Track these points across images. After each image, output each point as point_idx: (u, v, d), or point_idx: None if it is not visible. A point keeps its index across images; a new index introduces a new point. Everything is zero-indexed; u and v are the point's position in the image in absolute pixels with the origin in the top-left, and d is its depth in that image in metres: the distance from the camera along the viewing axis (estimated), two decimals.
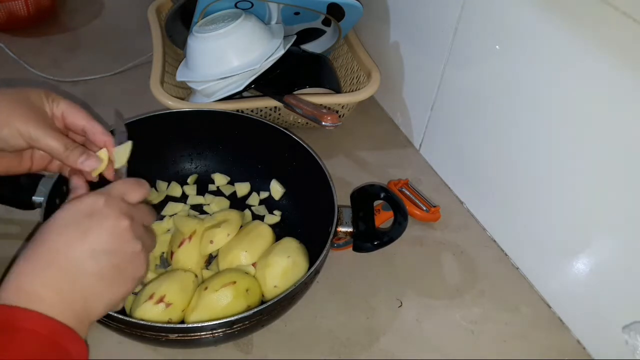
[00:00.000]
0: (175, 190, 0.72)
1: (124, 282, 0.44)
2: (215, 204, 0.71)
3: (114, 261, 0.43)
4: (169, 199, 0.72)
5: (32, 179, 0.60)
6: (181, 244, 0.61)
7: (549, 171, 0.60)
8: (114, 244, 0.43)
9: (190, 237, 0.61)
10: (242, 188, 0.73)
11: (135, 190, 0.47)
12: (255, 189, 0.73)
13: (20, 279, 0.41)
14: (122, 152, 0.53)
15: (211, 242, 0.61)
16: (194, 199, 0.72)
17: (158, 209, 0.70)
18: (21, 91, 0.50)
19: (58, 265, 0.41)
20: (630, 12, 0.47)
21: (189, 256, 0.61)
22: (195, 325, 0.50)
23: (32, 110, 0.49)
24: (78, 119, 0.52)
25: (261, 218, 0.70)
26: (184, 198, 0.72)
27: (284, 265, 0.59)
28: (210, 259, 0.65)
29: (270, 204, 0.72)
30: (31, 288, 0.40)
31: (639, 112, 0.49)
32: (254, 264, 0.61)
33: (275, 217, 0.71)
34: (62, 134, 0.51)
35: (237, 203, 0.72)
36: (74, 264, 0.42)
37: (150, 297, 0.55)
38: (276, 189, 0.72)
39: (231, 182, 0.74)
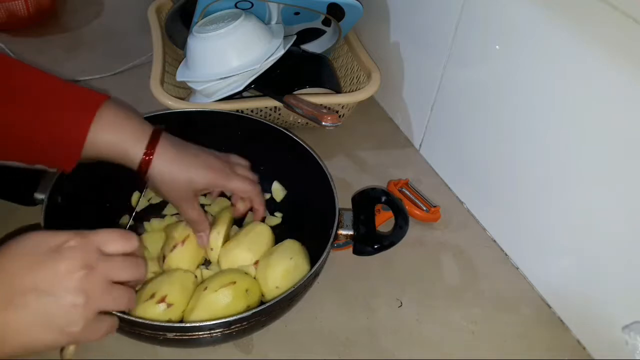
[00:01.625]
0: None
1: (50, 331, 0.41)
2: (215, 204, 0.71)
3: (48, 307, 0.40)
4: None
5: (34, 175, 0.61)
6: (174, 248, 0.60)
7: (549, 171, 0.60)
8: (56, 288, 0.40)
9: (183, 242, 0.61)
10: None
11: (116, 241, 0.44)
12: None
13: None
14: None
15: (212, 249, 0.63)
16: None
17: (159, 208, 0.70)
18: (204, 172, 0.59)
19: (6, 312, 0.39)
20: (630, 12, 0.47)
21: (181, 260, 0.60)
22: (193, 324, 0.50)
23: (193, 193, 0.59)
24: (258, 205, 0.64)
25: (262, 219, 0.70)
26: None
27: (286, 266, 0.59)
28: (205, 262, 0.65)
29: (271, 205, 0.72)
30: None
31: (638, 112, 0.49)
32: (255, 264, 0.61)
33: (276, 219, 0.71)
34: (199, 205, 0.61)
35: None
36: (11, 292, 0.40)
37: (152, 296, 0.55)
38: (278, 191, 0.72)
39: None
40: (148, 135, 0.56)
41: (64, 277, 0.41)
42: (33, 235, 0.42)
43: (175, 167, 0.57)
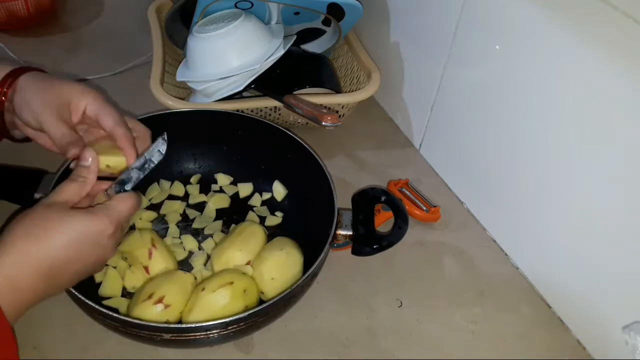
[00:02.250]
0: (178, 189, 0.72)
1: (69, 285, 0.50)
2: (213, 202, 0.71)
3: (80, 278, 0.50)
4: (171, 198, 0.72)
5: (34, 176, 0.61)
6: (150, 255, 0.60)
7: (549, 171, 0.60)
8: (93, 270, 0.51)
9: (154, 245, 0.60)
10: (244, 189, 0.73)
11: (134, 211, 0.52)
12: (258, 189, 0.73)
13: (9, 264, 0.44)
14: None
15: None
16: (196, 197, 0.72)
17: (159, 208, 0.70)
18: (60, 84, 0.55)
19: (47, 274, 0.46)
20: (630, 12, 0.47)
21: (164, 262, 0.60)
22: (189, 325, 0.50)
23: (54, 101, 0.54)
24: (105, 121, 0.55)
25: (263, 219, 0.70)
26: (186, 197, 0.72)
27: (278, 257, 0.59)
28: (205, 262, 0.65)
29: (272, 205, 0.72)
30: (14, 281, 0.44)
31: (638, 111, 0.49)
32: (249, 263, 0.61)
33: (277, 219, 0.71)
34: (70, 126, 0.54)
35: (240, 203, 0.72)
36: (58, 277, 0.47)
37: (149, 296, 0.55)
38: (278, 190, 0.72)
39: (234, 183, 0.74)
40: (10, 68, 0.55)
41: (101, 263, 0.51)
42: (74, 228, 0.47)
43: (42, 80, 0.55)
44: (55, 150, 0.55)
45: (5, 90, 0.54)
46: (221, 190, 0.73)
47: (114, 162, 0.54)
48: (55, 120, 0.53)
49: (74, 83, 0.56)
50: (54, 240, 0.46)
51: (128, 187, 0.54)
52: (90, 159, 0.52)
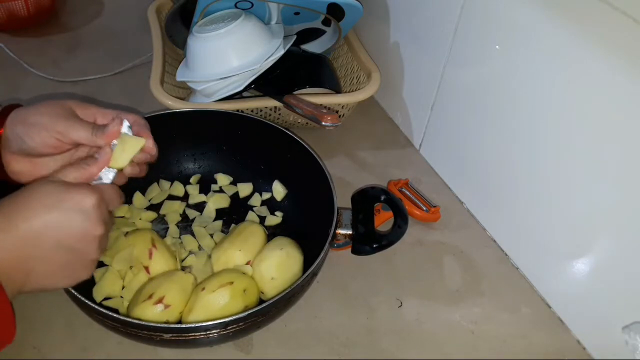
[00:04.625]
0: (178, 189, 0.72)
1: (67, 278, 0.49)
2: (212, 202, 0.71)
3: (70, 258, 0.47)
4: (171, 198, 0.72)
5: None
6: (150, 255, 0.59)
7: (549, 171, 0.60)
8: (80, 245, 0.47)
9: (154, 245, 0.60)
10: (244, 189, 0.73)
11: (116, 202, 0.51)
12: (257, 189, 0.73)
13: None
14: (125, 146, 0.54)
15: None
16: (196, 197, 0.72)
17: (159, 208, 0.70)
18: (51, 101, 0.54)
19: (25, 237, 0.45)
20: (630, 12, 0.47)
21: (165, 262, 0.60)
22: (188, 326, 0.50)
23: (61, 110, 0.53)
24: (107, 114, 0.55)
25: (263, 219, 0.70)
26: (186, 197, 0.72)
27: (278, 256, 0.59)
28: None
29: (272, 204, 0.72)
30: None
31: (638, 111, 0.49)
32: (249, 263, 0.61)
33: (276, 218, 0.70)
34: (89, 122, 0.54)
35: (239, 203, 0.72)
36: (39, 243, 0.45)
37: (150, 297, 0.55)
38: (278, 190, 0.72)
39: (234, 183, 0.74)
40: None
41: (87, 236, 0.47)
42: (56, 191, 0.46)
43: (36, 105, 0.54)
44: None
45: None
46: (221, 190, 0.73)
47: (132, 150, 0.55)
48: (75, 121, 0.53)
49: (61, 98, 0.57)
50: (31, 202, 0.45)
51: (106, 180, 0.53)
52: (102, 152, 0.52)
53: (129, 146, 0.54)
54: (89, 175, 0.51)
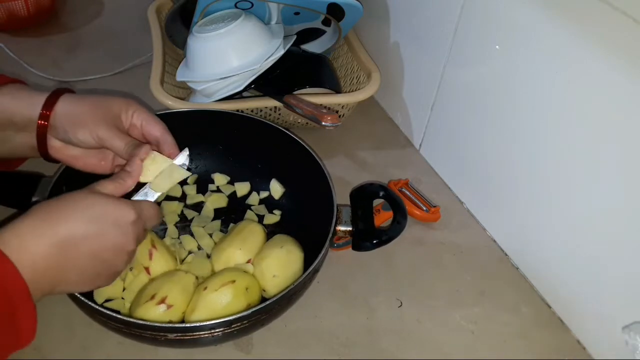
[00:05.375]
0: (175, 190, 0.72)
1: (91, 285, 0.50)
2: (210, 202, 0.71)
3: (100, 269, 0.48)
4: (168, 199, 0.71)
5: (31, 180, 0.60)
6: (150, 256, 0.59)
7: (548, 171, 0.60)
8: (112, 257, 0.48)
9: (154, 246, 0.60)
10: (242, 188, 0.73)
11: (154, 221, 0.53)
12: (255, 188, 0.73)
13: (26, 232, 0.44)
14: (172, 174, 0.57)
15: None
16: (194, 198, 0.72)
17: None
18: (106, 99, 0.57)
19: (63, 246, 0.45)
20: (630, 12, 0.47)
21: (165, 262, 0.60)
22: (193, 325, 0.50)
23: (107, 115, 0.56)
24: (154, 130, 0.58)
25: (261, 217, 0.70)
26: (184, 198, 0.72)
27: (279, 253, 0.59)
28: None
29: (270, 203, 0.72)
30: (29, 246, 0.43)
31: (638, 111, 0.49)
32: (249, 261, 0.61)
33: (275, 217, 0.71)
34: (128, 136, 0.57)
35: (237, 203, 0.72)
36: (75, 254, 0.46)
37: (152, 297, 0.55)
38: (276, 189, 0.72)
39: (231, 182, 0.74)
40: (47, 93, 0.56)
41: (121, 250, 0.48)
42: (98, 204, 0.48)
43: (86, 98, 0.57)
44: (99, 172, 0.59)
45: (47, 113, 0.55)
46: (218, 190, 0.73)
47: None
48: (116, 133, 0.55)
49: (117, 96, 0.58)
50: (74, 213, 0.46)
51: (150, 198, 0.56)
52: (135, 166, 0.54)
53: (176, 175, 0.57)
54: (125, 189, 0.53)
